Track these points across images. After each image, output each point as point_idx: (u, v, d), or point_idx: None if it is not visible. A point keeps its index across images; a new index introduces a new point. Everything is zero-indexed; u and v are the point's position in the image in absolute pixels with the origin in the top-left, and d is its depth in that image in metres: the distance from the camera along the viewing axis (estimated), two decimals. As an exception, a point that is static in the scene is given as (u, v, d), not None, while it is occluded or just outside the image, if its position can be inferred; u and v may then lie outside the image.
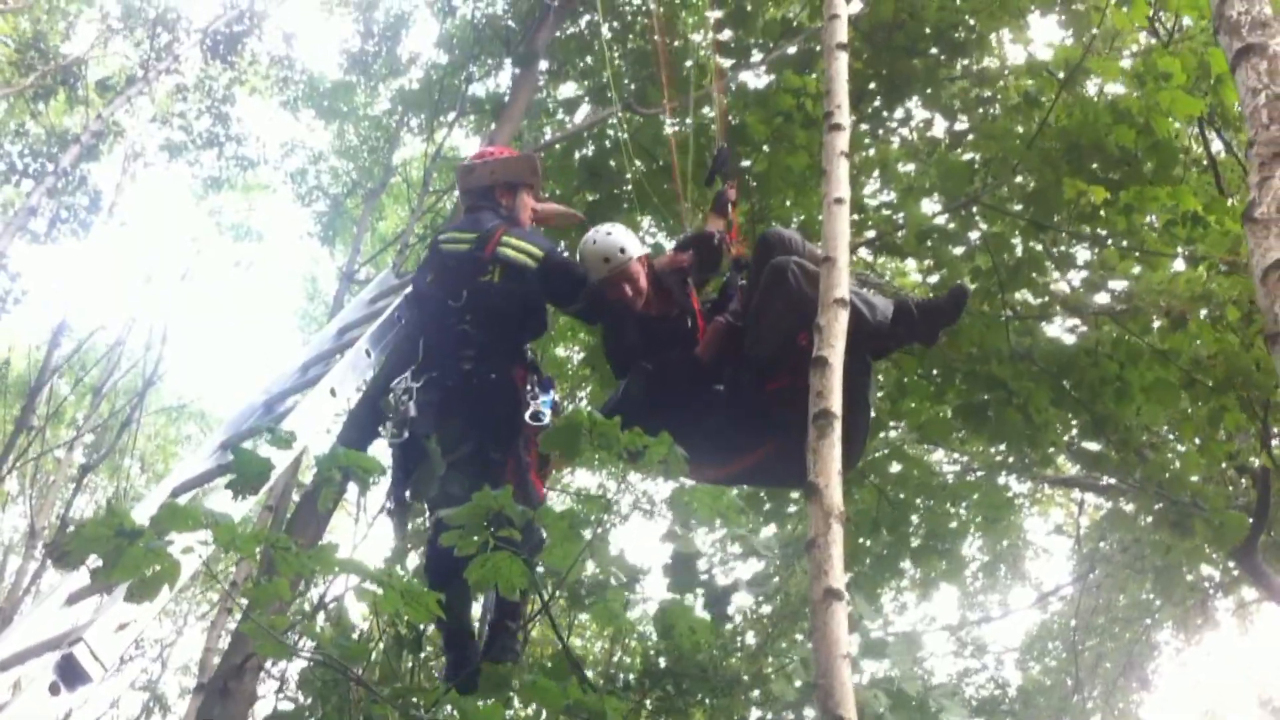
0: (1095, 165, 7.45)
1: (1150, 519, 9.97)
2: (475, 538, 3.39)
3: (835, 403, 3.15)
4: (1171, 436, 9.08)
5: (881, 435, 9.36)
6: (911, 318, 4.61)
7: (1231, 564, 11.73)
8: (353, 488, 4.48)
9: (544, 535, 3.55)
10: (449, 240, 5.29)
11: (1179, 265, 8.05)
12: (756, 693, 10.34)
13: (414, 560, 7.32)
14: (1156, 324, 7.72)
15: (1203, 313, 7.40)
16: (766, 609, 12.76)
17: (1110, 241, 7.96)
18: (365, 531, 5.48)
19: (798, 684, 7.72)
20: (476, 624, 5.62)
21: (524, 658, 5.46)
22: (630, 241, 5.15)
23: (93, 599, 3.65)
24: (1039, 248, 8.07)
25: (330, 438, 6.07)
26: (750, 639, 12.45)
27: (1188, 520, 8.79)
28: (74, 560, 2.86)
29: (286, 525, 6.25)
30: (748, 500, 9.68)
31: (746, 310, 4.96)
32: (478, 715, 3.40)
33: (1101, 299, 8.09)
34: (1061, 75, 7.73)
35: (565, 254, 5.26)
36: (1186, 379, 7.52)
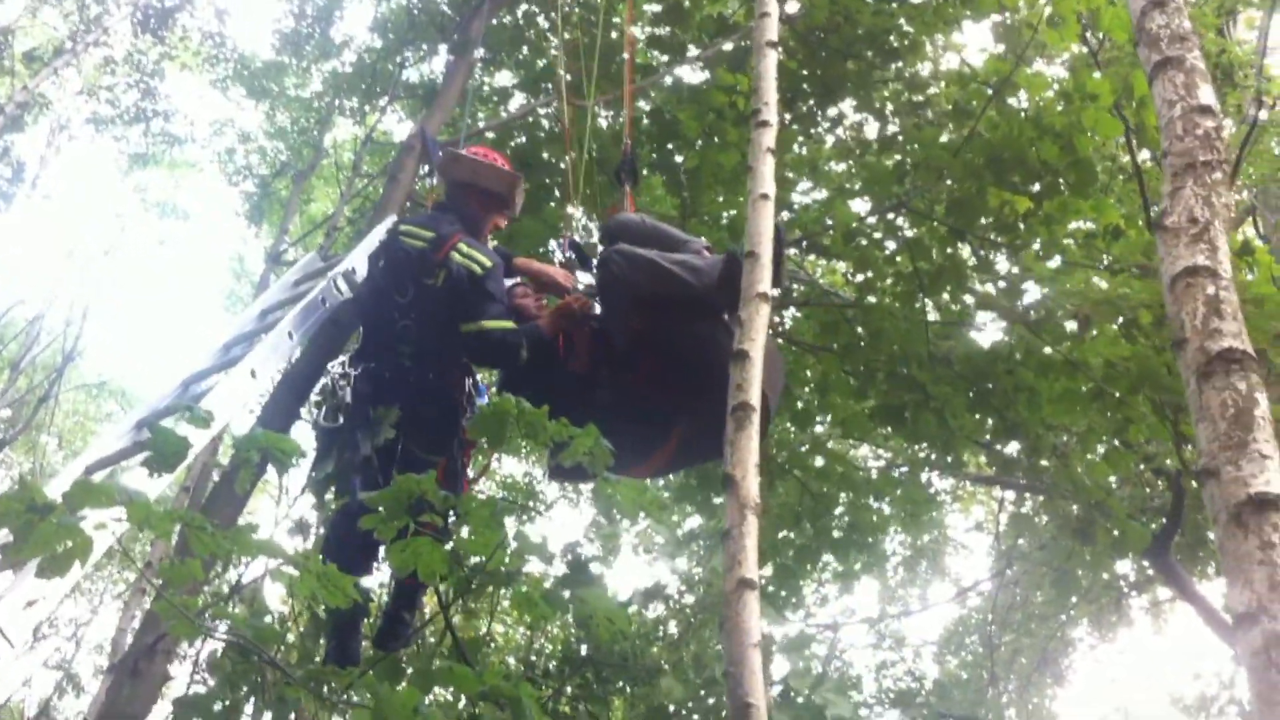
0: (1017, 177, 7.58)
1: (1056, 523, 10.16)
2: (395, 522, 3.40)
3: (754, 395, 3.19)
4: (1079, 443, 9.24)
5: (807, 429, 9.47)
6: (737, 266, 4.67)
7: (1146, 564, 11.99)
8: (274, 470, 4.47)
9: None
10: (407, 234, 5.22)
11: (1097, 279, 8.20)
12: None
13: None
14: (1070, 330, 7.86)
15: (1118, 320, 7.53)
16: (689, 599, 12.86)
17: (1035, 251, 8.09)
18: (287, 514, 5.43)
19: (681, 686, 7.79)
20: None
21: (414, 646, 5.49)
22: None
23: (3, 575, 3.60)
24: (961, 253, 8.20)
25: (252, 420, 6.03)
26: (673, 628, 12.53)
27: (1091, 527, 8.98)
28: (-17, 535, 2.83)
29: (203, 506, 6.19)
30: (680, 491, 9.72)
31: None
32: (392, 700, 3.41)
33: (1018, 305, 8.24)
34: (992, 85, 7.83)
35: (501, 282, 5.20)
36: (1095, 390, 7.67)
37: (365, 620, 5.25)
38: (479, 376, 5.26)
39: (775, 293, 3.94)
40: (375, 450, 4.81)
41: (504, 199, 5.49)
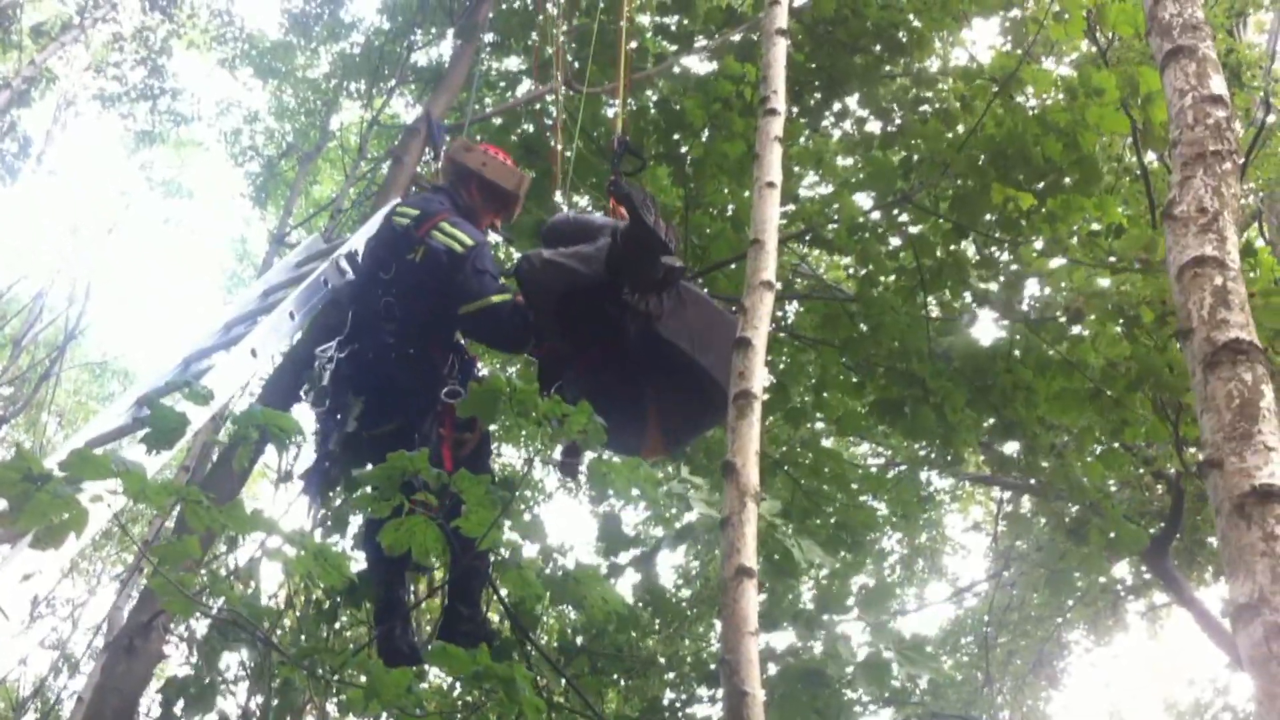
0: (1021, 174, 7.55)
1: (1051, 523, 10.12)
2: (388, 501, 3.38)
3: (756, 384, 3.19)
4: (1076, 443, 9.21)
5: (801, 427, 9.43)
6: (618, 246, 4.67)
7: (1143, 568, 11.97)
8: (273, 452, 4.45)
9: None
10: (399, 213, 5.23)
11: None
12: (671, 675, 10.40)
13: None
14: (1071, 331, 7.84)
15: (1119, 320, 7.51)
16: (686, 592, 12.85)
17: (1035, 247, 8.07)
18: (285, 497, 5.40)
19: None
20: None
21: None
22: None
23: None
24: (964, 251, 8.17)
25: (252, 399, 6.01)
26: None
27: (1084, 527, 8.95)
28: (-20, 505, 2.82)
29: (202, 484, 6.17)
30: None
31: None
32: (384, 680, 3.41)
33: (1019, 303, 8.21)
34: (997, 81, 7.80)
35: (490, 259, 5.14)
36: (1092, 390, 7.66)
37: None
38: (467, 350, 5.20)
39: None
40: (347, 438, 4.78)
41: (506, 196, 5.47)
